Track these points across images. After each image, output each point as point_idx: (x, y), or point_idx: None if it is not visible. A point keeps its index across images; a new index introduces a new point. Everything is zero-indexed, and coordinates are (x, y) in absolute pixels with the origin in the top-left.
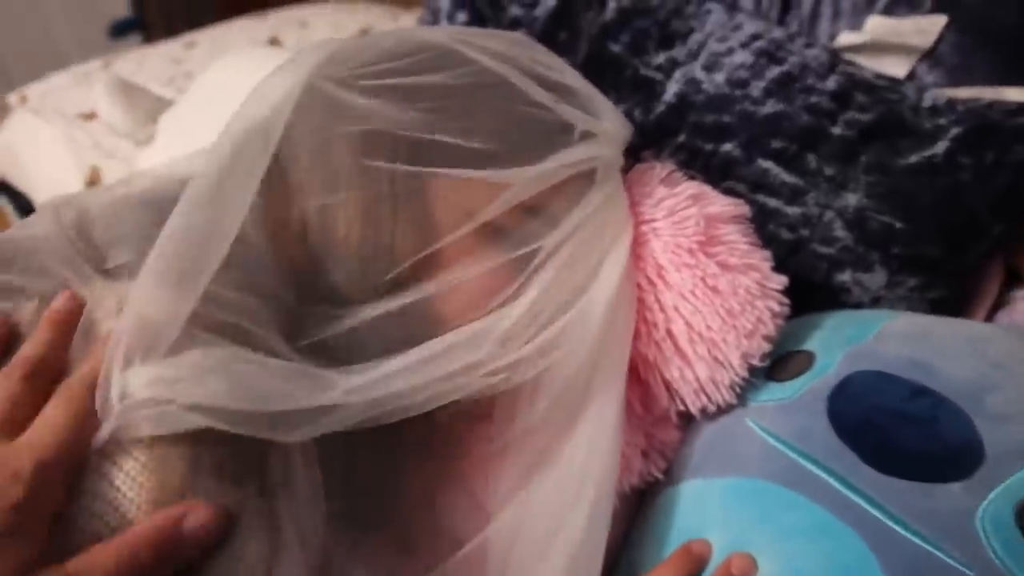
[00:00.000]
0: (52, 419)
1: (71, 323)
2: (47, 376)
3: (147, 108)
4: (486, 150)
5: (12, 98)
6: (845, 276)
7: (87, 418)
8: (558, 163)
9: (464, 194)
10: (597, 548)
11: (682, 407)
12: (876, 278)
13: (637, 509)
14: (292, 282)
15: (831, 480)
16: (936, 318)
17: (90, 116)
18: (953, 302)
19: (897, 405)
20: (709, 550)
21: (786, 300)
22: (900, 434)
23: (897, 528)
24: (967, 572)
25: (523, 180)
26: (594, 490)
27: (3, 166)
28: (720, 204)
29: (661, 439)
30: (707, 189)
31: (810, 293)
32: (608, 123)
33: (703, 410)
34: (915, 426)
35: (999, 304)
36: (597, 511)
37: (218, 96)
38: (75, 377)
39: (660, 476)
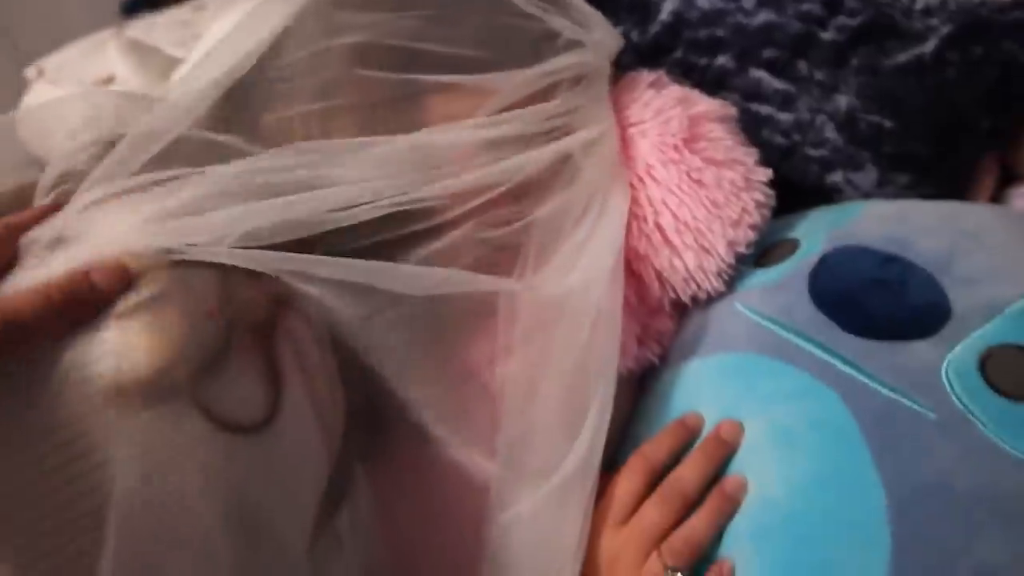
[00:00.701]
0: None
1: None
2: None
3: (160, 66)
4: (475, 58)
5: (31, 72)
6: (837, 177)
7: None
8: (545, 70)
9: (454, 104)
10: (602, 431)
11: (674, 296)
12: (867, 177)
13: (638, 391)
14: None
15: (811, 348)
16: (917, 201)
17: (108, 80)
18: (946, 200)
19: (869, 273)
20: (702, 421)
21: (771, 191)
22: (872, 299)
23: (869, 383)
24: (929, 414)
25: (511, 86)
26: (600, 382)
27: (27, 136)
28: (706, 104)
29: (656, 328)
30: (693, 92)
31: (803, 195)
32: (598, 33)
33: (694, 298)
34: (885, 291)
35: (995, 202)
36: (603, 399)
37: None
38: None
39: (656, 361)
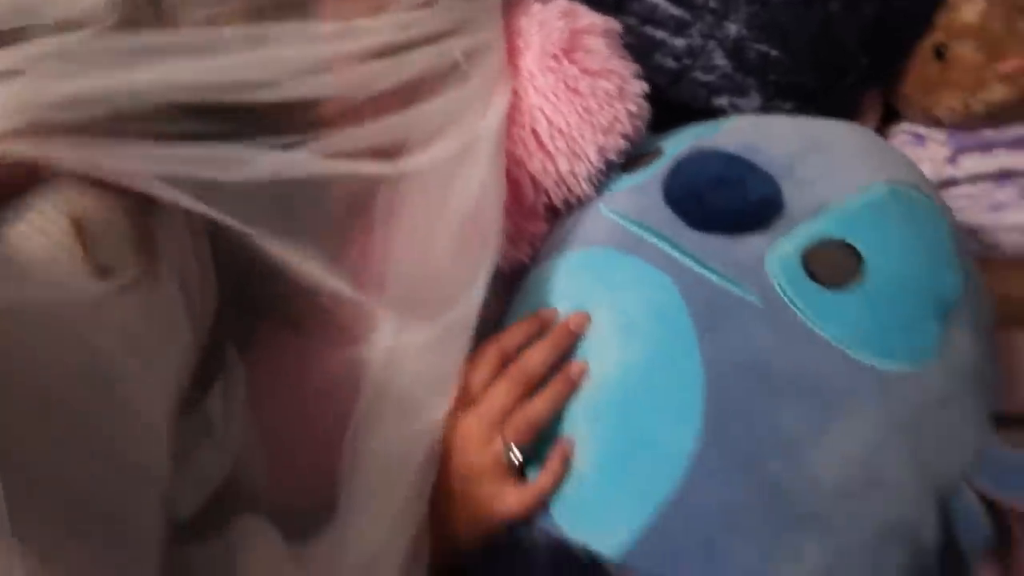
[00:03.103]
0: None
1: None
2: None
3: None
4: None
5: None
6: (723, 101)
7: None
8: None
9: (346, 7)
10: (481, 295)
11: (547, 200)
12: (751, 103)
13: (509, 291)
14: None
15: (657, 241)
16: (782, 116)
17: None
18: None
19: (714, 172)
20: (554, 315)
21: (645, 104)
22: (713, 196)
23: (703, 272)
24: (753, 300)
25: None
26: (485, 253)
27: None
28: (590, 19)
29: (530, 231)
30: (580, 6)
31: (691, 118)
32: None
33: (565, 202)
34: (726, 188)
35: None
36: (487, 269)
37: None
38: None
39: (527, 261)
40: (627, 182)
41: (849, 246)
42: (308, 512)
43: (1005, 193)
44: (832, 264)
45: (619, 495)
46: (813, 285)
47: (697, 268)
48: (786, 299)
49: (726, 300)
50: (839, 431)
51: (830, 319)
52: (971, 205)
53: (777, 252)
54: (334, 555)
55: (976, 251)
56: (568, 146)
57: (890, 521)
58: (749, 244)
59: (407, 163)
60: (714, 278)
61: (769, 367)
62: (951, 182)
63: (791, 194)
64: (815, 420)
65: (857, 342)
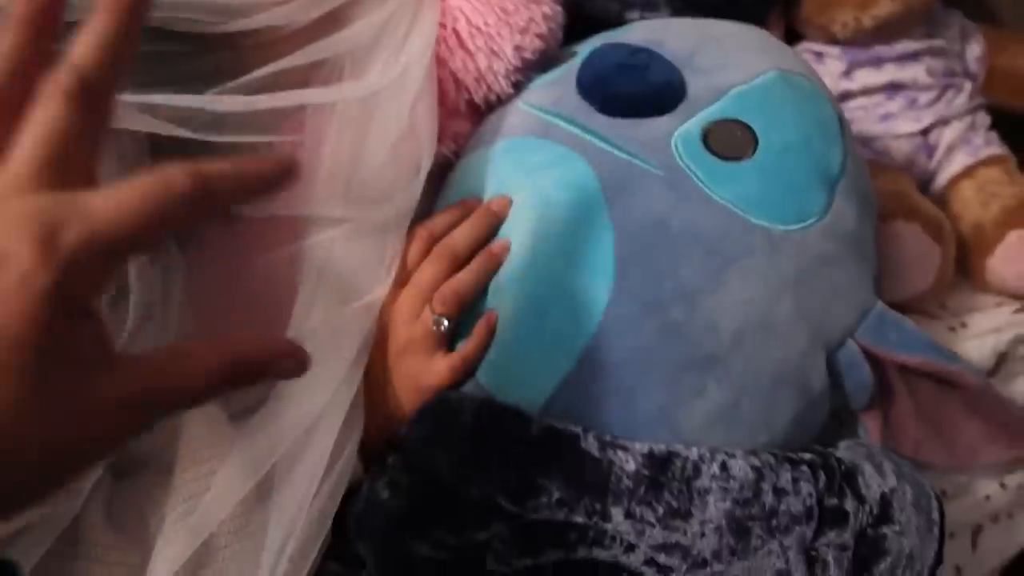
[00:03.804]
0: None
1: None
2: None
3: None
4: None
5: None
6: (635, 15)
7: None
8: None
9: None
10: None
11: (468, 96)
12: (660, 15)
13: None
14: None
15: (569, 127)
16: (685, 18)
17: None
18: None
19: (619, 60)
20: (479, 202)
21: (558, 8)
22: (619, 81)
23: (612, 150)
24: (657, 172)
25: None
26: (424, 152)
27: None
28: None
29: (453, 128)
30: None
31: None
32: None
33: (486, 100)
34: (630, 74)
35: None
36: (425, 166)
37: None
38: None
39: (452, 158)
40: (544, 79)
41: (744, 124)
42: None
43: (894, 104)
44: (729, 139)
45: (540, 350)
46: (712, 157)
47: (606, 147)
48: (686, 169)
49: (632, 171)
50: (734, 283)
51: (726, 186)
52: (864, 116)
53: (679, 131)
54: (272, 424)
55: (869, 157)
56: (487, 44)
57: (782, 366)
58: (654, 126)
59: (342, 89)
60: (621, 154)
61: (670, 225)
62: (847, 95)
63: (691, 81)
64: (712, 273)
65: (750, 205)
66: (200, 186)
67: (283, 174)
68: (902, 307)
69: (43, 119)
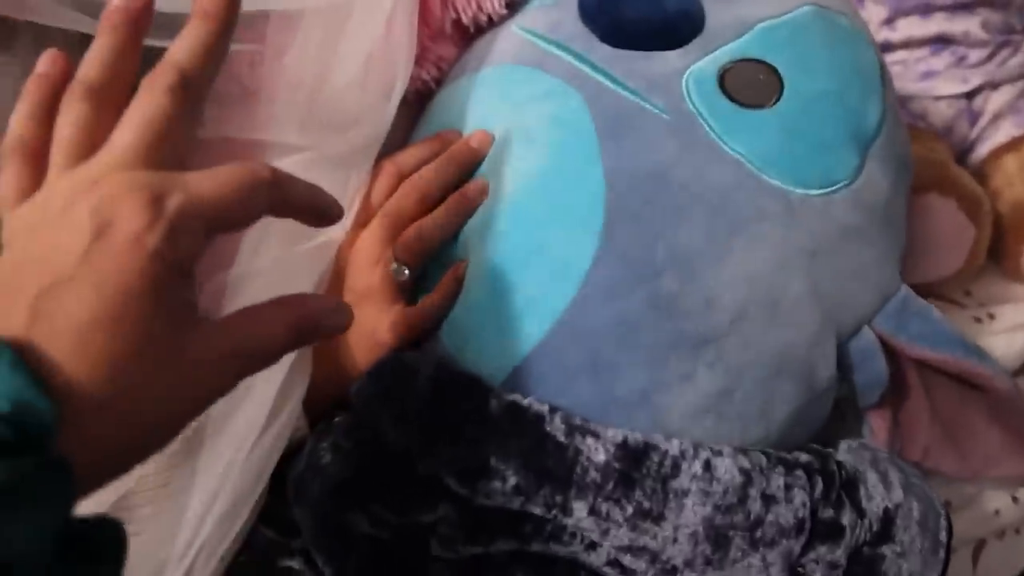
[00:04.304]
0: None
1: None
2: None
3: None
4: None
5: None
6: None
7: None
8: None
9: None
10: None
11: (455, 16)
12: None
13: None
14: None
15: (566, 56)
16: None
17: None
18: None
19: None
20: (456, 135)
21: None
22: (628, 6)
23: (612, 86)
24: (662, 115)
25: None
26: (399, 70)
27: None
28: None
29: (437, 53)
30: None
31: None
32: None
33: (475, 20)
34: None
35: None
36: (400, 86)
37: None
38: None
39: (433, 85)
40: (542, 1)
41: (769, 66)
42: None
43: (939, 61)
44: (749, 82)
45: (511, 312)
46: (727, 102)
47: (605, 81)
48: (696, 114)
49: (633, 112)
50: (739, 252)
51: (741, 137)
52: (903, 72)
53: (692, 69)
54: None
55: (904, 119)
56: None
57: (785, 353)
58: (664, 61)
59: None
60: (622, 91)
61: (671, 178)
62: (886, 46)
63: (712, 11)
64: (716, 238)
65: (767, 162)
66: (277, 180)
67: (323, 215)
68: (920, 290)
69: (146, 109)
